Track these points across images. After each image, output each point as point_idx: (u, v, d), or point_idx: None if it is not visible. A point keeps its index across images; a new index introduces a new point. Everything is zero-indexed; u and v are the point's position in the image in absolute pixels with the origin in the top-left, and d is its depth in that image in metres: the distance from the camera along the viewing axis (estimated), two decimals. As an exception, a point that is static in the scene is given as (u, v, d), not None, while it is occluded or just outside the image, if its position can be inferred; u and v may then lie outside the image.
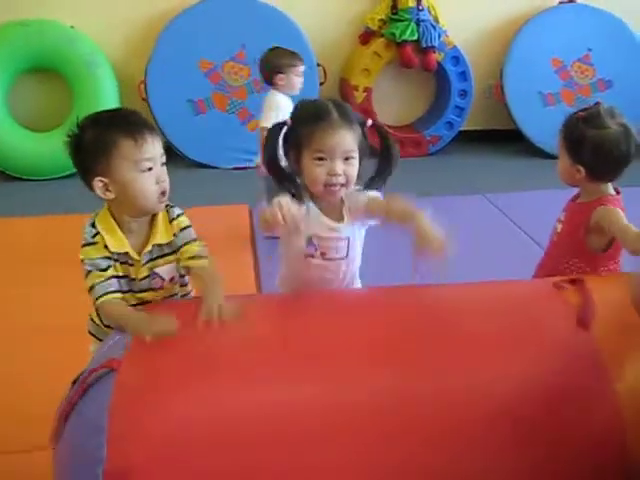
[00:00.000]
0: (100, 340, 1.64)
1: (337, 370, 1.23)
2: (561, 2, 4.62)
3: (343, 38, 4.53)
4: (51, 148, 3.98)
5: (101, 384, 1.22)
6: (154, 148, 1.49)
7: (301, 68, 3.23)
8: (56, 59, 4.19)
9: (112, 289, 1.51)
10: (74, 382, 1.27)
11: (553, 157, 4.56)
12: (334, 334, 1.31)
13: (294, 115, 1.57)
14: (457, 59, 4.49)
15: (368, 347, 1.27)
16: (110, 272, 1.52)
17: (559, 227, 1.92)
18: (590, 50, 4.59)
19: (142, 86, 4.23)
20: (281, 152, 1.60)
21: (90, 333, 1.67)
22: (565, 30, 4.55)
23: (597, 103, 1.86)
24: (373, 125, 1.60)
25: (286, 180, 1.59)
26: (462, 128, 4.59)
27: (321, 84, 4.36)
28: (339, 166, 1.53)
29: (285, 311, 1.43)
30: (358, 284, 1.73)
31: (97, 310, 1.54)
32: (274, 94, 3.18)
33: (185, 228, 1.56)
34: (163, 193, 1.52)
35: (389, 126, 4.57)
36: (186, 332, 1.29)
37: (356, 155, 1.56)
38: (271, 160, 1.58)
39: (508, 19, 4.65)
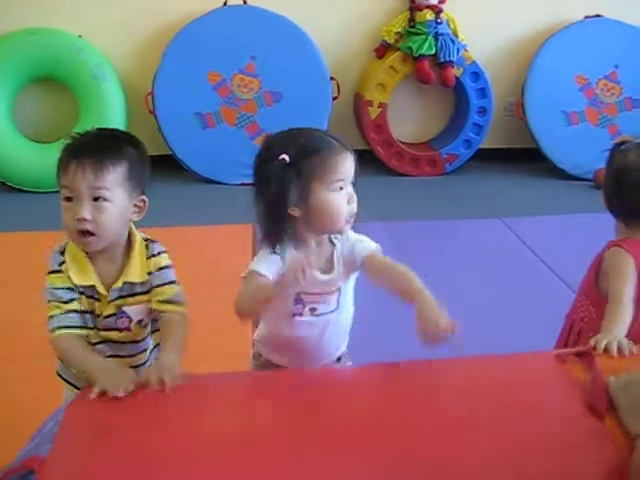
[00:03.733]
0: (70, 384, 1.48)
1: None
2: (587, 16, 4.42)
3: (358, 51, 4.37)
4: (55, 160, 3.85)
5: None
6: (75, 179, 1.34)
7: None
8: (62, 69, 4.08)
9: (70, 324, 1.36)
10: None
11: (575, 178, 4.39)
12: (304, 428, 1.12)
13: (288, 150, 1.37)
14: (476, 75, 4.31)
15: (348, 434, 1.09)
16: (72, 305, 1.37)
17: None
18: (617, 67, 4.38)
19: (149, 98, 4.11)
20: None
21: (58, 374, 1.51)
22: (590, 46, 4.35)
23: None
24: None
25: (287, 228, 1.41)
26: (480, 146, 4.41)
27: (334, 99, 4.20)
28: (353, 192, 1.41)
29: (250, 396, 1.26)
30: (346, 340, 1.56)
31: (52, 344, 1.38)
32: None
33: (163, 268, 1.42)
34: (80, 233, 1.36)
35: (404, 143, 4.41)
36: (127, 422, 1.12)
37: None
38: (277, 209, 1.38)
39: (531, 34, 4.46)
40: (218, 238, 3.42)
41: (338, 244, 1.45)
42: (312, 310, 1.44)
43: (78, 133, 1.43)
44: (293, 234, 1.41)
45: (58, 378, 1.52)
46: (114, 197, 1.37)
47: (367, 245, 1.45)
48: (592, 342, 1.37)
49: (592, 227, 3.53)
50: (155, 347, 1.50)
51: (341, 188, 1.38)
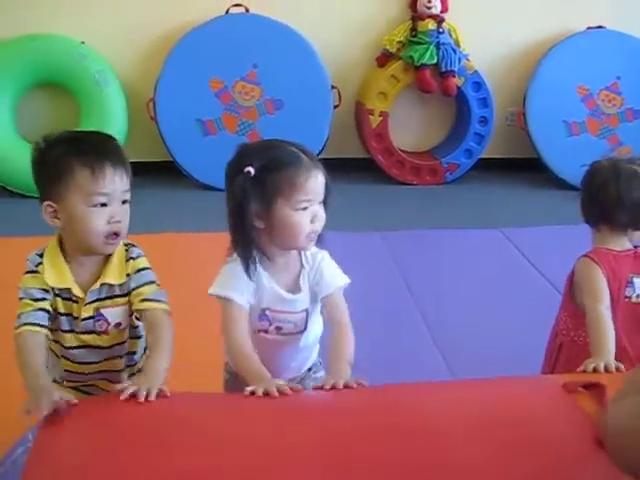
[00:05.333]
0: None
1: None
2: (589, 27, 4.42)
3: (359, 60, 4.37)
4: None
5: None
6: (113, 183, 1.35)
7: None
8: (65, 75, 4.09)
9: (36, 321, 1.35)
10: None
11: (575, 189, 4.38)
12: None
13: (255, 163, 1.37)
14: (478, 84, 4.30)
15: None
16: (43, 304, 1.37)
17: None
18: (618, 78, 4.37)
19: (151, 104, 4.12)
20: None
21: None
22: (592, 57, 4.34)
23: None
24: None
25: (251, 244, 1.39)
26: (481, 156, 4.40)
27: (335, 107, 4.21)
28: (320, 211, 1.39)
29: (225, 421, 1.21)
30: (315, 352, 1.55)
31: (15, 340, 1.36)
32: None
33: (142, 270, 1.42)
34: (114, 235, 1.37)
35: (405, 152, 4.41)
36: (100, 450, 1.09)
37: None
38: (240, 221, 1.37)
39: (533, 44, 4.46)
40: (218, 245, 3.41)
41: (307, 267, 1.44)
42: (278, 329, 1.43)
43: (59, 137, 1.39)
44: (258, 246, 1.40)
45: None
46: (129, 198, 1.41)
47: (332, 281, 1.43)
48: (581, 368, 1.37)
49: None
50: (127, 354, 1.50)
51: (305, 208, 1.37)
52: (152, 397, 1.21)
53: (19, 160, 4.10)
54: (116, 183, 1.36)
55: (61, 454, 1.11)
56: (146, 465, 1.08)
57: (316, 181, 1.38)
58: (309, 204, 1.37)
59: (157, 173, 4.18)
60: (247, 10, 4.16)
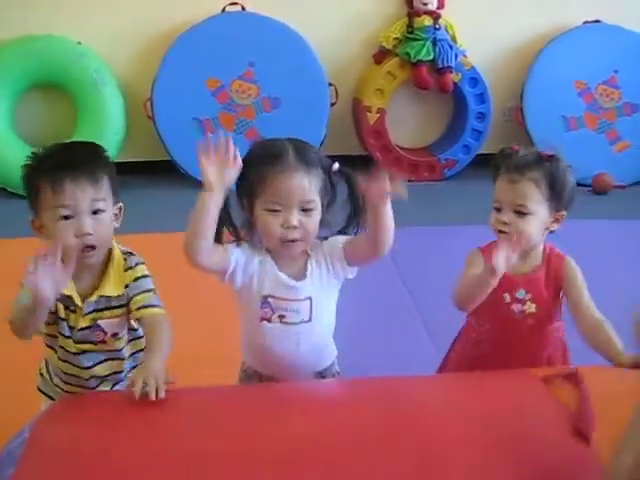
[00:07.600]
0: (49, 397, 1.50)
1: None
2: (586, 22, 4.42)
3: (356, 57, 4.38)
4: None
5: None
6: (74, 197, 1.33)
7: None
8: (62, 75, 4.10)
9: None
10: None
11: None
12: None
13: (246, 156, 1.37)
14: (475, 80, 4.31)
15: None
16: None
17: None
18: (616, 72, 4.38)
19: (148, 104, 4.12)
20: None
21: (39, 390, 1.53)
22: (590, 51, 4.35)
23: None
24: (340, 170, 1.38)
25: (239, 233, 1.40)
26: (479, 152, 4.40)
27: (332, 104, 4.21)
28: (295, 217, 1.33)
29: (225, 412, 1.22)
30: (332, 352, 1.52)
31: (10, 324, 1.36)
32: None
33: (140, 278, 1.41)
34: (88, 247, 1.35)
35: (403, 148, 4.41)
36: (98, 444, 1.10)
37: (316, 205, 1.35)
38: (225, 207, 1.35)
39: (530, 39, 4.46)
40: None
41: (312, 254, 1.41)
42: (281, 317, 1.40)
43: (35, 154, 1.42)
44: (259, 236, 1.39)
45: (38, 392, 1.54)
46: (107, 207, 1.39)
47: (339, 238, 1.41)
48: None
49: (591, 233, 3.51)
50: (132, 355, 1.50)
51: (275, 210, 1.33)
52: (152, 393, 1.21)
53: (17, 161, 4.07)
54: (78, 196, 1.34)
55: (53, 447, 1.13)
56: (135, 456, 1.10)
57: (292, 183, 1.31)
58: (280, 207, 1.33)
59: (155, 172, 4.18)
60: (243, 8, 4.16)
